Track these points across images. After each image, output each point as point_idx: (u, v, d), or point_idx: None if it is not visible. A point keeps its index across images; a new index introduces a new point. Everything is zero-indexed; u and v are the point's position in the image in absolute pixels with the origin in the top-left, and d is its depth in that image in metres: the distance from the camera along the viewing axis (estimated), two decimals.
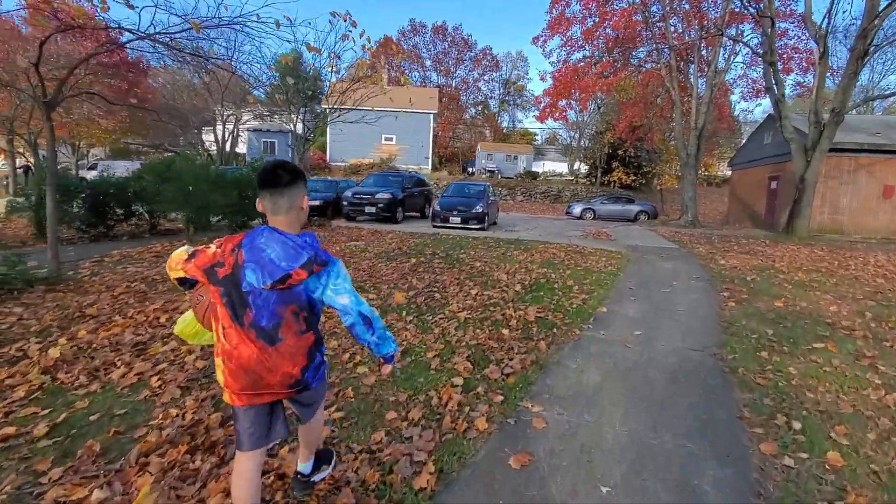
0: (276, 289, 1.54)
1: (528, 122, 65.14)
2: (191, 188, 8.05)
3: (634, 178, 31.05)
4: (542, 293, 5.89)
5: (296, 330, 1.62)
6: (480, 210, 14.00)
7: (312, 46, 6.73)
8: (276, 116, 40.74)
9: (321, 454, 2.07)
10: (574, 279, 6.83)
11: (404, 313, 4.88)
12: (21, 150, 25.53)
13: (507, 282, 6.42)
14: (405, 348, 3.94)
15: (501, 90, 58.18)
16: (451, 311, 4.94)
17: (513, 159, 40.16)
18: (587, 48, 19.11)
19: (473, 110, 57.24)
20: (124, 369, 3.35)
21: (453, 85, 54.85)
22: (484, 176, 35.86)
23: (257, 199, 1.64)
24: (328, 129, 36.09)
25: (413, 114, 34.79)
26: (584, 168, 38.63)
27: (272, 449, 2.38)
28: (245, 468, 1.69)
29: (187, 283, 1.76)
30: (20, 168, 24.32)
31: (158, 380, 3.22)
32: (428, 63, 55.00)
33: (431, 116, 35.35)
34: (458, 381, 3.35)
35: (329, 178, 22.87)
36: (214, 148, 35.20)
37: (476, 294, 5.68)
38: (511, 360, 3.76)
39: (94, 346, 3.76)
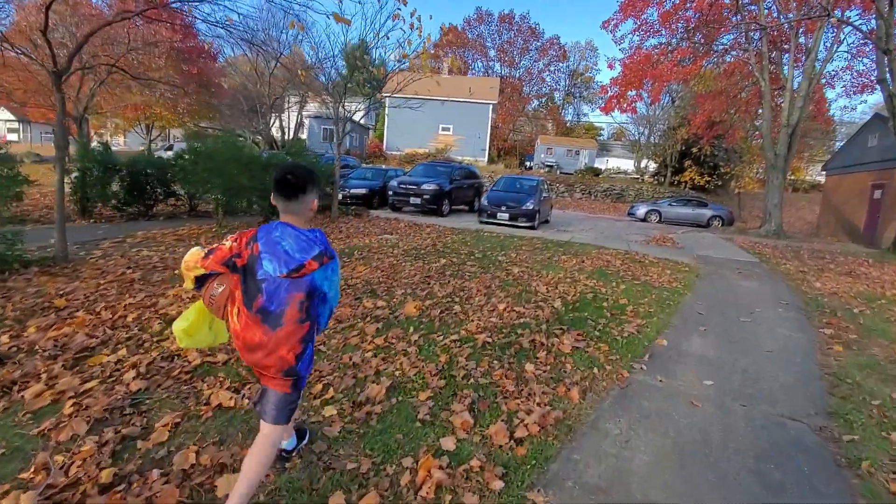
0: (290, 277, 1.73)
1: (594, 115, 61.95)
2: (219, 170, 7.63)
3: (709, 179, 28.30)
4: (586, 313, 4.83)
5: (297, 318, 1.77)
6: (531, 207, 12.88)
7: (341, 17, 5.98)
8: (338, 104, 41.41)
9: (296, 431, 2.30)
10: (629, 297, 5.68)
11: (411, 329, 4.03)
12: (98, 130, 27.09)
13: (545, 295, 5.39)
14: (394, 382, 3.10)
15: (567, 81, 55.77)
16: (468, 332, 4.03)
17: (574, 154, 38.14)
18: (663, 33, 17.19)
19: (536, 102, 55.27)
20: (44, 385, 2.74)
21: (517, 76, 53.17)
22: (542, 171, 34.25)
23: (272, 195, 1.81)
24: (386, 118, 35.97)
25: (471, 104, 33.82)
26: (651, 166, 35.96)
27: None
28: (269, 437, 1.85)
29: (200, 283, 1.90)
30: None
31: (74, 404, 2.58)
32: (492, 53, 53.63)
33: (490, 107, 34.14)
34: (449, 443, 2.46)
35: (380, 166, 22.41)
36: (278, 135, 36.31)
37: (504, 309, 4.72)
38: (529, 413, 2.81)
39: (37, 347, 3.22)
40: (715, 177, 28.28)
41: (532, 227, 12.89)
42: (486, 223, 13.16)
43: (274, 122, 37.14)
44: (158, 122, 28.61)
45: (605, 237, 12.33)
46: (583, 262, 7.91)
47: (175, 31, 22.70)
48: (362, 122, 42.07)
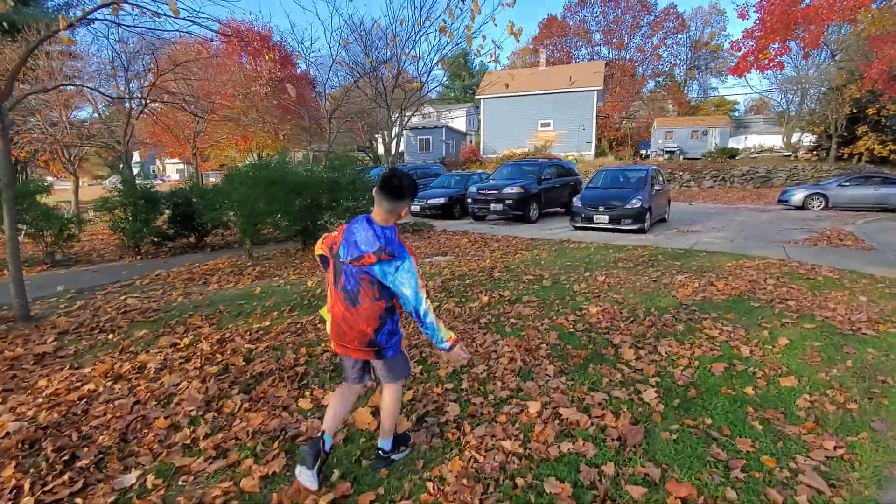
0: (353, 264, 1.93)
1: (725, 88, 53.64)
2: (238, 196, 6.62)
3: (894, 147, 21.65)
4: (707, 421, 2.49)
5: (371, 297, 1.96)
6: (638, 205, 10.16)
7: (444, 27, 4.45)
8: (436, 113, 41.09)
9: (399, 437, 2.35)
10: (798, 366, 3.16)
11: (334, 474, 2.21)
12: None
13: (631, 371, 3.13)
14: None
15: (689, 54, 48.88)
16: (446, 486, 2.07)
17: (701, 135, 32.57)
18: None
19: (652, 83, 49.33)
20: None
21: (627, 57, 47.98)
22: (661, 158, 29.73)
23: (374, 189, 1.96)
24: (482, 121, 34.43)
25: (573, 94, 30.72)
26: (807, 140, 29.12)
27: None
28: (342, 392, 2.19)
29: (325, 262, 2.16)
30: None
31: None
32: (597, 37, 49.19)
33: (595, 94, 30.63)
34: None
35: (468, 171, 20.79)
36: (382, 150, 37.05)
37: (538, 422, 2.50)
38: None
39: None
40: None
41: (641, 231, 10.17)
42: (583, 229, 10.74)
43: (377, 140, 38.08)
44: (265, 150, 30.51)
45: (746, 238, 9.16)
46: (711, 284, 5.31)
47: (274, 61, 23.76)
48: (462, 128, 41.27)
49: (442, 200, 14.09)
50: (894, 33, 13.89)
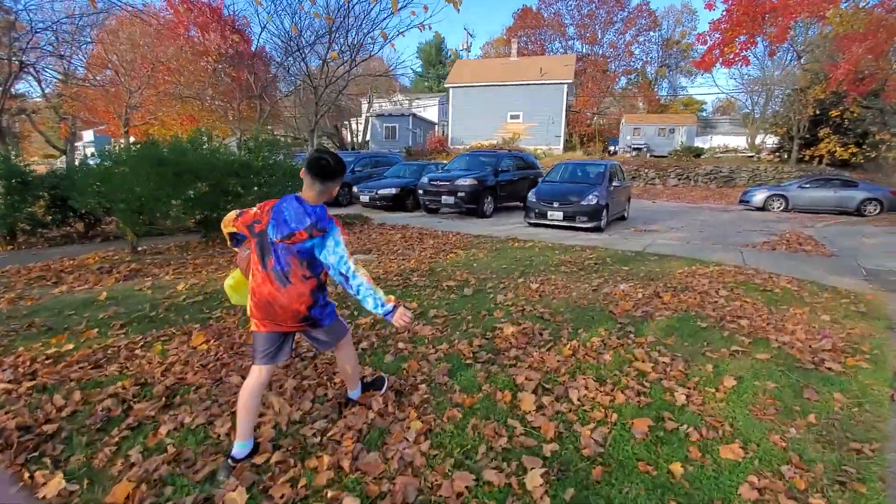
0: (284, 242, 1.91)
1: (695, 87, 54.00)
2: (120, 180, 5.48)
3: (855, 151, 21.73)
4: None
5: (301, 276, 1.96)
6: (594, 202, 9.42)
7: None
8: (406, 102, 39.80)
9: (371, 382, 2.59)
10: (743, 417, 2.40)
11: None
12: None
13: (523, 432, 2.28)
14: None
15: (660, 52, 48.98)
16: None
17: (668, 133, 32.44)
18: None
19: (624, 80, 49.21)
20: None
21: (600, 52, 47.64)
22: (628, 155, 29.43)
23: (302, 171, 1.96)
24: (450, 110, 33.44)
25: (543, 86, 30.03)
26: (770, 141, 29.28)
27: None
28: (254, 378, 2.04)
29: (235, 240, 2.20)
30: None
31: None
32: (571, 31, 48.68)
33: (565, 87, 30.00)
34: None
35: (425, 161, 19.78)
36: (349, 137, 35.63)
37: None
38: None
39: None
40: (865, 147, 21.66)
41: (597, 229, 9.46)
42: (536, 225, 9.98)
43: (344, 125, 36.56)
44: (214, 131, 28.67)
45: (703, 238, 8.57)
46: (656, 295, 4.56)
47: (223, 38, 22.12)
48: (434, 118, 40.11)
49: (393, 191, 13.08)
50: (862, 33, 13.60)
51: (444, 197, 11.72)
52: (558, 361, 2.97)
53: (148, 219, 5.88)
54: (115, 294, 4.31)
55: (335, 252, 1.92)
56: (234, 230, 2.11)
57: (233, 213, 2.11)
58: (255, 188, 6.71)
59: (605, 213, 9.61)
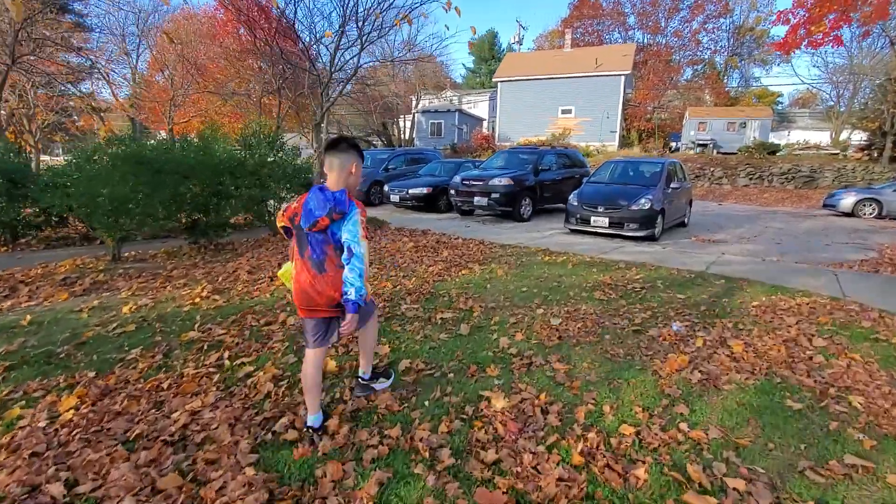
0: (312, 231, 2.05)
1: (769, 78, 49.34)
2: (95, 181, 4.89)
3: None
4: None
5: (336, 264, 2.08)
6: (647, 206, 8.08)
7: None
8: (456, 97, 38.90)
9: (381, 370, 2.75)
10: None
11: None
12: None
13: None
14: None
15: (731, 41, 44.96)
16: None
17: (738, 127, 29.42)
18: None
19: (690, 71, 45.64)
20: None
21: (664, 42, 44.39)
22: (692, 151, 26.97)
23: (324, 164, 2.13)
24: (498, 106, 32.16)
25: (598, 78, 28.11)
26: (857, 137, 25.78)
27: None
28: (310, 360, 2.21)
29: (290, 234, 2.26)
30: None
31: None
32: (632, 20, 45.71)
33: (623, 79, 27.92)
34: None
35: (466, 159, 18.73)
36: (396, 134, 35.22)
37: None
38: None
39: None
40: None
41: (650, 238, 8.12)
42: (578, 232, 8.75)
43: (393, 123, 36.17)
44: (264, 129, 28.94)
45: (783, 254, 7.04)
46: (722, 343, 3.34)
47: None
48: (483, 115, 38.90)
49: (425, 191, 12.20)
50: None
51: (476, 198, 10.70)
52: (560, 479, 1.90)
53: (128, 222, 5.27)
54: (44, 318, 3.65)
55: (348, 229, 2.03)
56: (284, 224, 2.24)
57: (281, 208, 2.28)
58: (244, 190, 5.98)
59: (660, 219, 8.24)
